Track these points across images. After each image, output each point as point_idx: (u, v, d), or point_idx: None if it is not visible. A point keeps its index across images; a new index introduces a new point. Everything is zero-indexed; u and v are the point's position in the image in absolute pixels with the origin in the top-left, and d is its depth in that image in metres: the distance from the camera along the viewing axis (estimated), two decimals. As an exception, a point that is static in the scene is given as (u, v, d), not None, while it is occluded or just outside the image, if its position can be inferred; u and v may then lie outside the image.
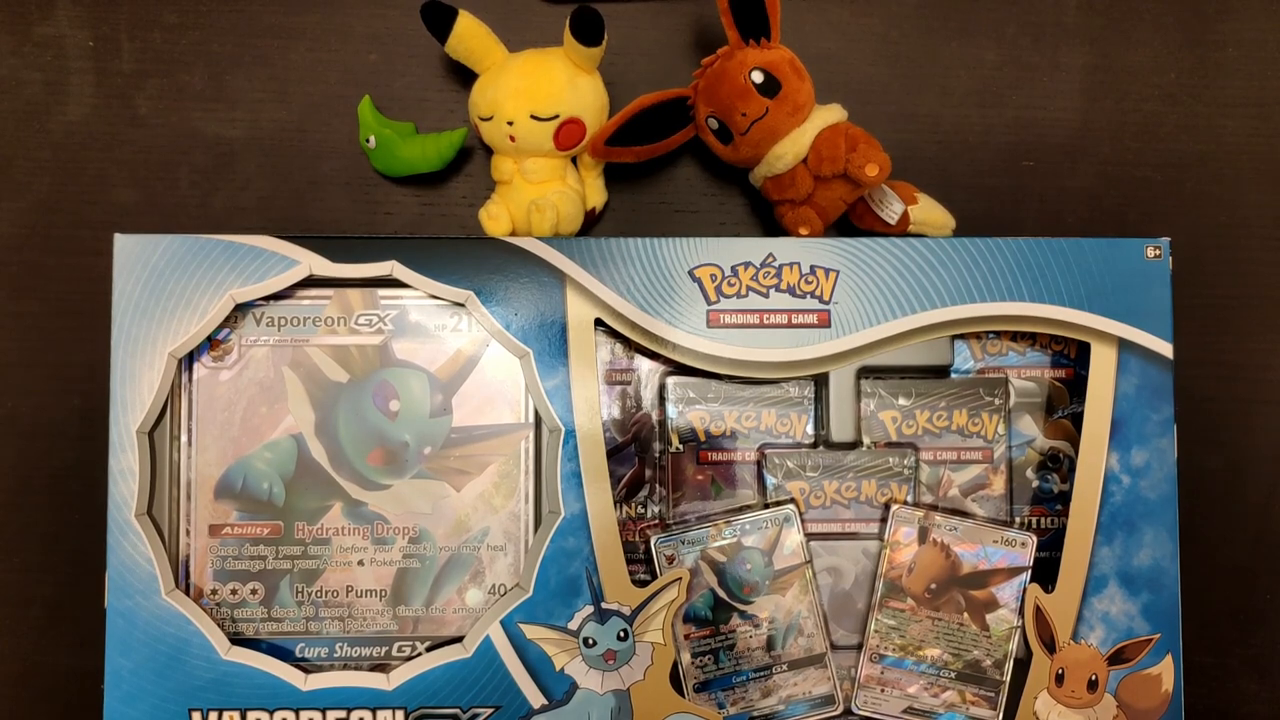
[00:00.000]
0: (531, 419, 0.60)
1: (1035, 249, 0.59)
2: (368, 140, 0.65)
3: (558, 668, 0.57)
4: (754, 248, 0.59)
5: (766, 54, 0.60)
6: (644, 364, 0.62)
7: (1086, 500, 0.59)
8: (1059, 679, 0.58)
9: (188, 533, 0.59)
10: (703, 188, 0.69)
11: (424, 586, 0.60)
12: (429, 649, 0.59)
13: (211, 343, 0.60)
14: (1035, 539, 0.60)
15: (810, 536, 0.61)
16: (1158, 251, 0.59)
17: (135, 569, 0.56)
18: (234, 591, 0.59)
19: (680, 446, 0.62)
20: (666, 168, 0.69)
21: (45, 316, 0.66)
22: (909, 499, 0.61)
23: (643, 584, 0.58)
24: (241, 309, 0.59)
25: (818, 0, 0.70)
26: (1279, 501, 0.69)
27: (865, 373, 0.61)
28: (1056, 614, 0.58)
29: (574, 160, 0.65)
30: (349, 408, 0.60)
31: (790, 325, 0.59)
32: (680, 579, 0.58)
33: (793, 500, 0.61)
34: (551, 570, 0.57)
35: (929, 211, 0.64)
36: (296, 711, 0.56)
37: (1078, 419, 0.59)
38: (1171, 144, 0.70)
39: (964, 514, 0.61)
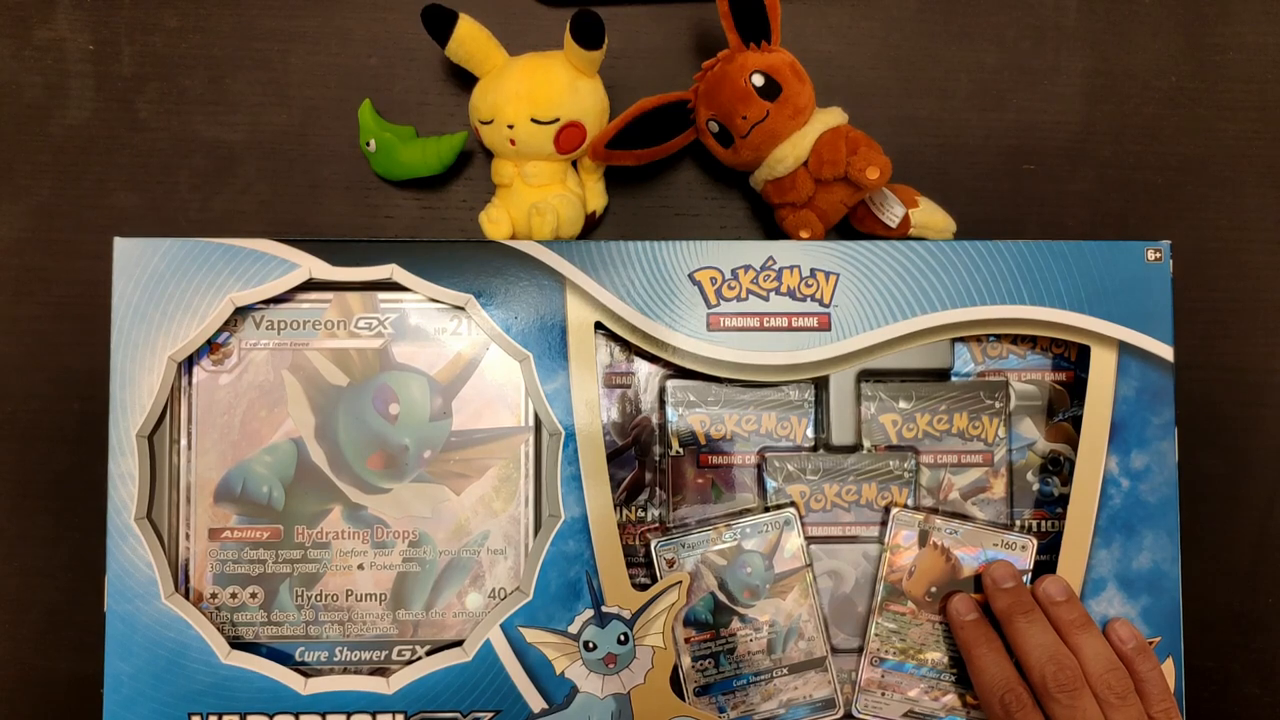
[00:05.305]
0: (531, 422, 0.60)
1: (1036, 252, 0.59)
2: (368, 144, 0.65)
3: (558, 671, 0.57)
4: (754, 251, 0.59)
5: (767, 57, 0.60)
6: (644, 367, 0.62)
7: (1084, 503, 0.59)
8: (1060, 683, 0.58)
9: (187, 536, 0.59)
10: (703, 191, 0.69)
11: (424, 590, 0.60)
12: (429, 653, 0.59)
13: (211, 346, 0.60)
14: (1036, 542, 0.60)
15: (810, 540, 0.61)
16: (1158, 254, 0.59)
17: (135, 573, 0.56)
18: (234, 595, 0.59)
19: (680, 450, 0.62)
20: (667, 171, 0.69)
21: (45, 320, 0.66)
22: (909, 502, 0.61)
23: (643, 587, 0.58)
24: (241, 312, 0.59)
25: (818, 3, 0.70)
26: (1280, 505, 0.69)
27: (865, 376, 0.61)
28: (1057, 618, 0.58)
29: (574, 164, 0.65)
30: (349, 411, 0.60)
31: (790, 328, 0.59)
32: (680, 582, 0.58)
33: (793, 504, 0.61)
34: (552, 574, 0.57)
35: (930, 215, 0.64)
36: (296, 715, 0.56)
37: (1078, 422, 0.59)
38: (1172, 147, 0.70)
39: (964, 517, 0.61)
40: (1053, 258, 0.59)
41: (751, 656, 0.59)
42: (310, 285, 0.58)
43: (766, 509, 0.61)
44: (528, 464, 0.60)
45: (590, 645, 0.57)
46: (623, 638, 0.57)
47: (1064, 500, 0.60)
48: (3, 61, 0.68)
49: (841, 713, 0.60)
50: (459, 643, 0.59)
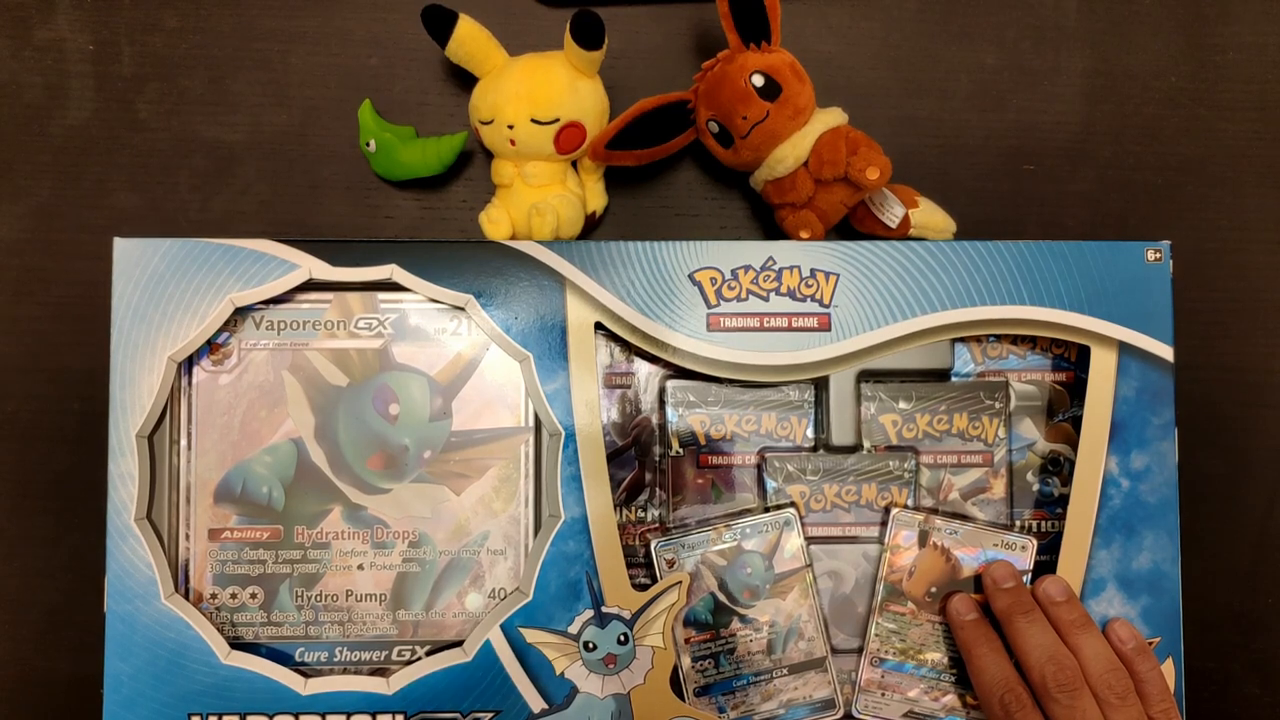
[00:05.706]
0: (531, 422, 0.60)
1: (1036, 252, 0.59)
2: (368, 144, 0.65)
3: (558, 672, 0.57)
4: (754, 251, 0.59)
5: (767, 57, 0.60)
6: (644, 367, 0.62)
7: (1084, 503, 0.59)
8: (1060, 683, 0.58)
9: (187, 537, 0.59)
10: (703, 191, 0.69)
11: (424, 590, 0.60)
12: (429, 653, 0.59)
13: (211, 346, 0.60)
14: (1035, 543, 0.60)
15: (810, 540, 0.61)
16: (1158, 255, 0.59)
17: (134, 573, 0.56)
18: (233, 596, 0.59)
19: (680, 450, 0.62)
20: (667, 171, 0.69)
21: (45, 320, 0.66)
22: (909, 502, 0.61)
23: (643, 588, 0.58)
24: (241, 313, 0.59)
25: (818, 3, 0.70)
26: (1280, 505, 0.69)
27: (865, 376, 0.61)
28: (1057, 618, 0.58)
29: (574, 164, 0.65)
30: (349, 412, 0.60)
31: (790, 329, 0.59)
32: (680, 583, 0.58)
33: (793, 504, 0.61)
34: (551, 574, 0.57)
35: (930, 215, 0.64)
36: (296, 716, 0.56)
37: (1078, 422, 0.59)
38: (1172, 147, 0.70)
39: (964, 518, 0.61)
40: (1053, 258, 0.59)
41: (751, 657, 0.59)
42: (310, 285, 0.58)
43: (766, 509, 0.61)
44: (528, 464, 0.60)
45: (590, 645, 0.57)
46: (623, 638, 0.57)
47: (1064, 500, 0.60)
48: (3, 61, 0.68)
49: (841, 713, 0.60)
50: (459, 643, 0.59)
